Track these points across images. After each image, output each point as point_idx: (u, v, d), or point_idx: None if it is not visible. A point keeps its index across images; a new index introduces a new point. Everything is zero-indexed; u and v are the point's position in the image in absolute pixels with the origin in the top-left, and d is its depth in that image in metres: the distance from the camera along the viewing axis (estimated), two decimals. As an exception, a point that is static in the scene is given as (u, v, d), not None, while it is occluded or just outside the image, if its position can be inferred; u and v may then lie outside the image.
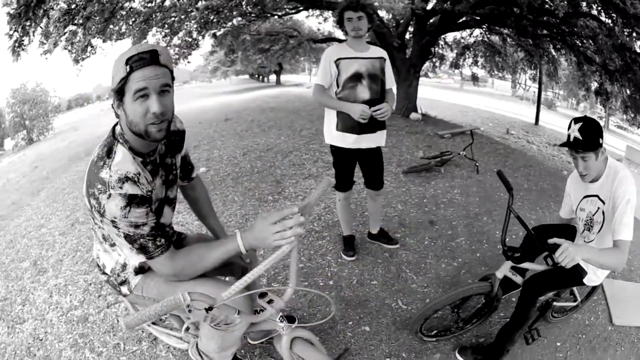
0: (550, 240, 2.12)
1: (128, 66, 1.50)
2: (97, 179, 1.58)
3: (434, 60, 16.60)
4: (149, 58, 1.53)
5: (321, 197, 3.44)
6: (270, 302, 1.86)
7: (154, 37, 12.73)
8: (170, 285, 1.89)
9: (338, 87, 3.48)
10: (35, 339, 3.22)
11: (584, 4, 9.07)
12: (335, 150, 3.71)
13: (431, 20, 12.73)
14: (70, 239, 5.04)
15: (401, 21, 13.58)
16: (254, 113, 14.40)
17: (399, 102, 13.12)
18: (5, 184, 12.32)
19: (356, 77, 3.43)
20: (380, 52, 3.61)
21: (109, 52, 10.99)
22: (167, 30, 12.49)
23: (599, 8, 8.98)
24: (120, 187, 1.57)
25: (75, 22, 9.73)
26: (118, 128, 1.72)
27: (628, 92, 10.50)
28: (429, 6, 12.07)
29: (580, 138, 2.30)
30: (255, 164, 7.39)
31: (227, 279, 2.51)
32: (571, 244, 2.04)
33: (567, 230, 2.97)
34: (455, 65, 16.68)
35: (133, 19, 11.35)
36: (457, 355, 2.91)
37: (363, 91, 3.44)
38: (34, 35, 9.53)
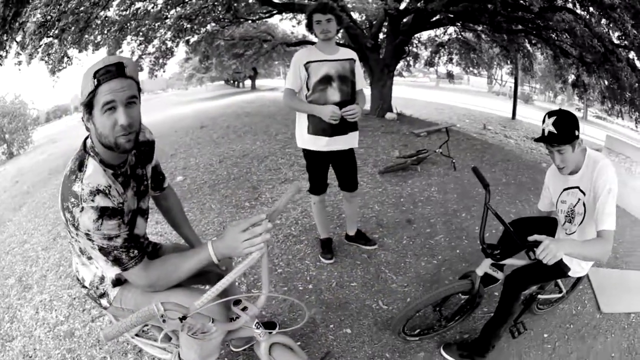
0: (531, 238, 2.10)
1: (95, 79, 1.50)
2: (70, 192, 1.58)
3: (408, 59, 16.63)
4: (115, 70, 1.52)
5: (290, 202, 3.40)
6: (244, 309, 1.86)
7: (129, 46, 12.69)
8: (146, 296, 1.88)
9: (308, 90, 3.45)
10: (25, 357, 3.20)
11: None
12: (307, 153, 3.68)
13: (404, 20, 12.73)
14: (52, 254, 4.97)
15: (374, 22, 13.63)
16: (229, 119, 14.35)
17: (374, 102, 13.16)
18: None
19: (326, 80, 3.41)
20: (350, 54, 3.59)
21: (86, 62, 10.85)
22: (141, 39, 12.37)
23: (575, 1, 9.04)
24: (92, 200, 1.57)
25: (51, 34, 9.58)
26: (89, 141, 1.71)
27: (606, 82, 10.59)
28: (402, 6, 12.12)
29: (555, 132, 2.27)
30: (232, 171, 7.34)
31: (207, 287, 2.47)
32: (552, 240, 2.01)
33: (547, 223, 2.96)
34: (429, 63, 16.76)
35: (108, 28, 11.23)
36: (443, 352, 2.90)
37: (333, 93, 3.42)
38: (10, 48, 9.40)
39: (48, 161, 15.45)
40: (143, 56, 13.05)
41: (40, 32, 9.35)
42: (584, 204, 2.44)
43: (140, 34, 12.13)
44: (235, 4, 11.33)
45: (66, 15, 9.21)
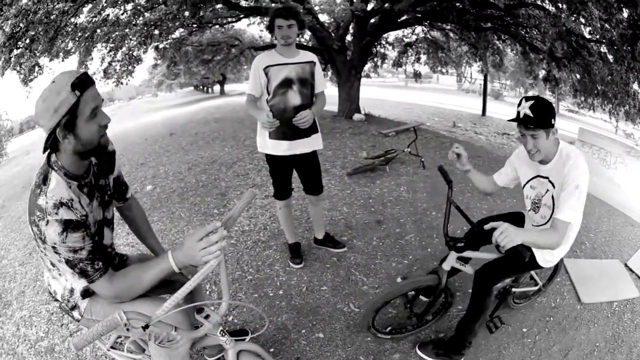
0: (487, 225, 2.11)
1: (76, 91, 1.54)
2: (36, 206, 1.62)
3: (375, 60, 16.66)
4: (87, 79, 1.60)
5: (246, 209, 3.36)
6: (207, 317, 1.87)
7: (100, 53, 12.39)
8: (113, 307, 1.89)
9: (269, 94, 3.44)
10: None
11: None
12: (270, 158, 3.67)
13: (371, 21, 12.77)
14: (29, 269, 4.91)
15: (341, 23, 13.63)
16: (198, 126, 14.28)
17: (342, 104, 13.20)
18: None
19: (286, 83, 3.40)
20: (310, 57, 3.58)
21: (57, 70, 10.65)
22: (111, 45, 12.16)
23: None
24: (56, 213, 1.60)
25: (20, 45, 9.37)
26: (53, 156, 1.73)
27: (577, 76, 10.72)
28: (369, 7, 12.16)
29: (531, 115, 2.26)
30: (200, 178, 7.29)
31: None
32: (510, 225, 2.02)
33: (515, 219, 2.97)
34: (397, 64, 16.78)
35: (79, 35, 11.02)
36: (418, 351, 2.90)
37: (294, 97, 3.43)
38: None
39: (22, 173, 15.15)
40: (112, 63, 12.84)
41: (10, 44, 9.14)
42: (552, 197, 2.44)
43: (110, 40, 11.92)
44: (201, 11, 11.18)
45: (34, 25, 9.01)
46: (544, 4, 9.32)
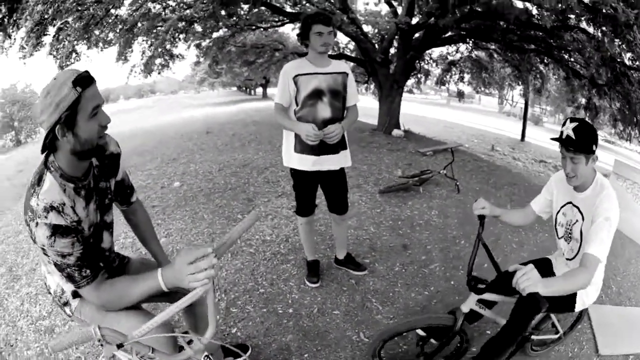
0: (511, 267, 1.96)
1: (78, 87, 1.51)
2: (28, 206, 1.59)
3: (419, 76, 16.40)
4: (90, 77, 1.57)
5: (246, 232, 3.23)
6: (190, 342, 1.72)
7: (140, 47, 12.59)
8: (101, 313, 1.88)
9: (297, 105, 3.28)
10: (7, 345, 3.28)
11: (572, 16, 8.92)
12: (294, 172, 3.50)
13: (416, 35, 12.57)
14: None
15: (386, 36, 13.45)
16: (236, 127, 14.33)
17: (381, 118, 13.00)
18: None
19: (316, 94, 3.24)
20: (343, 67, 3.43)
21: (96, 59, 10.90)
22: (152, 40, 12.26)
23: (588, 18, 8.81)
24: (46, 217, 1.56)
25: (47, 33, 9.49)
26: (50, 157, 1.69)
27: (617, 105, 10.39)
28: (414, 21, 11.97)
29: (573, 137, 2.16)
30: (230, 180, 7.23)
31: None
32: (535, 270, 1.85)
33: (541, 265, 2.75)
34: (441, 82, 16.50)
35: (120, 27, 11.14)
36: None
37: (324, 109, 3.26)
38: (14, 39, 9.37)
39: None
40: (152, 57, 12.96)
41: (38, 30, 9.25)
42: (581, 230, 2.32)
43: (152, 34, 12.01)
44: (234, 9, 11.07)
45: (61, 14, 9.09)
46: (589, 28, 9.01)
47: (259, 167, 8.00)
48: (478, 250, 2.53)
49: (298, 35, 3.42)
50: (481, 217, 2.65)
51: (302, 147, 3.29)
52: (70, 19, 9.67)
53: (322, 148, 3.24)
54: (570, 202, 2.44)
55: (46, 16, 8.96)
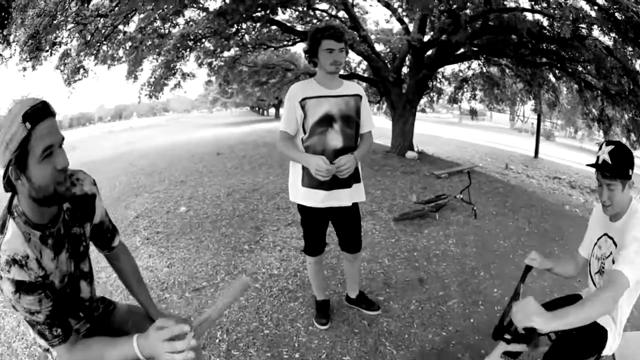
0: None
1: (27, 123, 1.28)
2: None
3: (431, 94, 16.18)
4: (44, 109, 1.34)
5: (235, 302, 2.98)
6: None
7: (151, 64, 12.65)
8: None
9: (305, 133, 2.96)
10: None
11: (583, 25, 8.84)
12: (302, 209, 3.16)
13: (428, 53, 12.40)
14: None
15: (397, 54, 13.26)
16: (247, 148, 14.21)
17: (395, 139, 12.76)
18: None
19: (326, 120, 2.91)
20: (356, 89, 3.09)
21: (110, 74, 10.92)
22: (162, 58, 12.18)
23: (602, 26, 8.67)
24: (8, 271, 1.38)
25: (42, 47, 9.37)
26: (15, 199, 1.50)
27: (630, 115, 10.27)
28: (426, 38, 11.82)
29: (610, 162, 2.01)
30: (238, 206, 7.01)
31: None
32: (533, 300, 1.67)
33: (572, 301, 2.48)
34: (453, 100, 16.24)
35: (129, 44, 11.07)
36: None
37: (335, 137, 2.93)
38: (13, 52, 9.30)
39: None
40: (160, 76, 12.91)
41: (31, 44, 9.11)
42: (613, 261, 2.04)
43: (162, 53, 11.93)
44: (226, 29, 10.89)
45: (55, 28, 8.91)
46: (602, 36, 8.98)
47: (269, 192, 7.77)
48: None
49: (305, 52, 3.05)
50: (528, 268, 2.40)
51: (311, 180, 2.92)
52: (65, 34, 9.59)
53: (333, 182, 2.89)
54: (605, 234, 2.23)
55: (41, 29, 8.77)
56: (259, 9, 9.62)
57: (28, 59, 9.36)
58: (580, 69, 10.52)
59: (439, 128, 29.70)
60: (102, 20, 9.89)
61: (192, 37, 11.00)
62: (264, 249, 5.21)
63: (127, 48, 11.26)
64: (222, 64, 14.29)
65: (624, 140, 11.80)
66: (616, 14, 7.94)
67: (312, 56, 2.97)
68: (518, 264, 4.89)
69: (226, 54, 13.79)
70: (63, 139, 1.43)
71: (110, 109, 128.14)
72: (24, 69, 9.67)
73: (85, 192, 1.74)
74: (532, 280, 4.48)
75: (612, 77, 8.96)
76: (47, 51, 9.58)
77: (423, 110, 16.98)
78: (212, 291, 4.21)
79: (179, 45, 10.96)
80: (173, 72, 12.63)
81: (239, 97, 32.72)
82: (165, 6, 7.93)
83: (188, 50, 11.67)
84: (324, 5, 12.39)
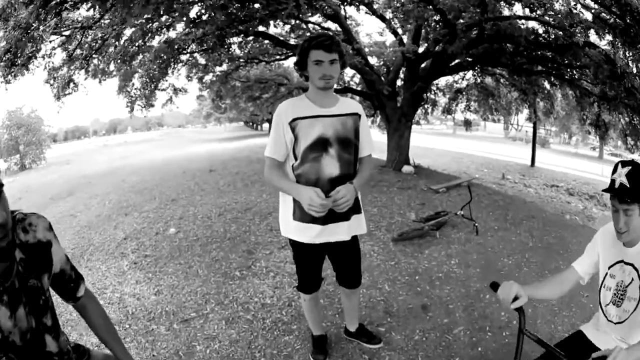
0: (596, 354, 1.55)
1: None
2: None
3: (425, 106, 16.02)
4: None
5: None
6: None
7: (140, 80, 12.41)
8: None
9: (296, 159, 2.59)
10: None
11: (579, 30, 8.77)
12: (294, 243, 2.79)
13: (423, 65, 12.26)
14: None
15: (391, 67, 13.09)
16: (240, 164, 14.05)
17: (390, 154, 12.59)
18: None
19: (320, 144, 2.53)
20: (354, 107, 2.72)
21: (106, 86, 10.81)
22: (142, 71, 11.98)
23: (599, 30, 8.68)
24: None
25: (18, 62, 9.09)
26: None
27: (626, 119, 10.36)
28: (421, 49, 11.67)
29: (628, 185, 1.79)
30: (229, 228, 6.75)
31: None
32: (622, 350, 1.51)
33: (578, 342, 2.23)
34: (447, 111, 16.10)
35: (122, 59, 10.84)
36: None
37: (330, 164, 2.55)
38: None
39: (55, 184, 15.79)
40: (156, 91, 12.74)
41: (7, 59, 8.84)
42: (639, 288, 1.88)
43: (145, 63, 11.72)
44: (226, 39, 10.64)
45: (21, 43, 8.60)
46: (600, 41, 8.99)
47: (262, 212, 7.51)
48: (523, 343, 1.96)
49: (295, 64, 2.67)
50: (520, 310, 2.01)
51: (303, 214, 2.54)
52: (46, 47, 9.42)
53: (329, 215, 2.51)
54: (621, 261, 1.99)
55: (13, 44, 8.49)
56: (242, 21, 9.38)
57: (6, 74, 9.09)
58: (575, 75, 10.56)
59: (433, 140, 29.71)
60: (90, 32, 9.68)
61: (175, 47, 10.61)
62: (256, 275, 4.92)
63: (118, 62, 11.04)
64: (215, 79, 14.16)
65: (615, 143, 11.98)
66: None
67: (302, 69, 2.60)
68: (524, 284, 4.62)
69: (218, 68, 13.65)
70: (2, 185, 1.31)
71: (105, 123, 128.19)
72: (7, 81, 9.43)
73: (39, 240, 1.53)
74: (539, 301, 4.23)
75: (609, 82, 8.91)
76: (23, 65, 9.28)
77: (417, 123, 16.85)
78: (201, 322, 3.94)
79: (162, 55, 10.59)
80: (155, 86, 12.38)
81: (232, 112, 32.64)
82: (140, 13, 7.59)
83: (172, 62, 11.32)
84: (317, 18, 12.20)
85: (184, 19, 9.07)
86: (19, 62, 8.98)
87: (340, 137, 2.58)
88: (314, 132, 2.53)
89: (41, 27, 8.41)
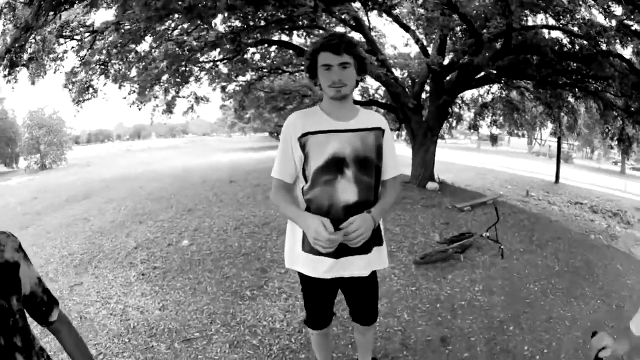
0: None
1: None
2: None
3: (450, 120, 15.67)
4: None
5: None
6: None
7: (162, 86, 12.38)
8: None
9: (306, 181, 2.22)
10: None
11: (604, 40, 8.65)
12: (302, 276, 2.42)
13: (448, 78, 12.00)
14: None
15: (417, 80, 12.82)
16: (262, 176, 13.86)
17: (415, 170, 12.25)
18: (3, 207, 12.97)
19: (335, 165, 2.14)
20: (377, 120, 2.31)
21: (113, 96, 10.77)
22: (177, 79, 11.87)
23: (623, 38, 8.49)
24: None
25: (15, 62, 9.06)
26: None
27: None
28: (446, 61, 11.49)
29: None
30: (245, 243, 6.53)
31: None
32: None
33: None
34: (474, 127, 15.70)
35: (143, 64, 10.76)
36: None
37: (346, 188, 2.16)
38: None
39: (73, 186, 15.86)
40: (177, 98, 12.68)
41: (8, 58, 8.80)
42: None
43: (177, 74, 11.61)
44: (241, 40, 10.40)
45: (19, 40, 8.51)
46: (624, 50, 8.87)
47: (280, 227, 7.19)
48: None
49: (306, 71, 2.28)
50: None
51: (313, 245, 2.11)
52: (57, 50, 9.37)
53: (344, 246, 2.10)
54: None
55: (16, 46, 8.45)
56: (257, 27, 9.23)
57: (7, 74, 9.08)
58: (600, 87, 10.42)
59: (458, 155, 29.34)
60: (103, 36, 9.60)
61: (187, 49, 10.32)
62: (268, 297, 4.66)
63: (140, 68, 10.97)
64: (239, 89, 14.04)
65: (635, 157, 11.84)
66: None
67: (313, 76, 2.22)
68: (549, 313, 4.39)
69: (241, 78, 13.57)
70: None
71: (129, 128, 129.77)
72: (8, 81, 9.44)
73: (7, 260, 1.47)
74: (565, 331, 4.02)
75: (635, 94, 8.86)
76: (23, 65, 9.26)
77: (442, 137, 16.54)
78: (204, 344, 3.72)
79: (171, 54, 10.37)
80: (177, 91, 12.31)
81: (256, 123, 32.62)
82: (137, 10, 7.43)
83: (186, 65, 11.06)
84: (341, 29, 11.98)
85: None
86: (20, 62, 8.97)
87: (359, 156, 2.18)
88: (327, 150, 2.14)
89: (47, 29, 8.39)
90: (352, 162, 2.16)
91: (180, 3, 6.81)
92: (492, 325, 4.12)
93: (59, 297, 4.90)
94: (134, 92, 11.69)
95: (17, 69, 9.19)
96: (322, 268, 2.23)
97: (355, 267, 2.26)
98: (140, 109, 12.50)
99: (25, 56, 9.07)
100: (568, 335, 3.91)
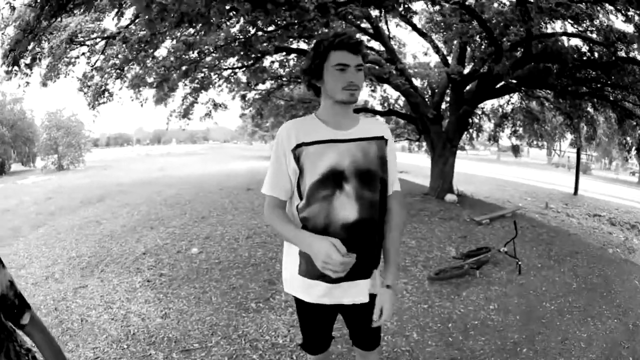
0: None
1: None
2: None
3: (470, 131, 15.38)
4: None
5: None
6: None
7: (183, 91, 12.48)
8: None
9: (301, 197, 1.97)
10: None
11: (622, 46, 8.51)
12: (297, 301, 2.16)
13: (468, 88, 11.78)
14: (38, 294, 4.87)
15: (436, 89, 12.63)
16: (279, 185, 13.76)
17: (434, 181, 12.06)
18: (17, 205, 12.84)
19: (332, 179, 1.90)
20: (378, 128, 2.06)
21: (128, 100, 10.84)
22: (196, 85, 11.84)
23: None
24: None
25: (17, 62, 9.04)
26: None
27: None
28: (466, 70, 11.31)
29: None
30: (255, 253, 6.40)
31: None
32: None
33: None
34: (494, 138, 15.45)
35: (160, 70, 10.72)
36: None
37: (345, 205, 1.90)
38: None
39: (89, 188, 15.87)
40: (194, 104, 12.66)
41: (9, 59, 8.75)
42: None
43: (196, 80, 11.60)
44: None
45: (22, 44, 8.46)
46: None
47: (292, 238, 7.10)
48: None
49: (304, 72, 1.98)
50: None
51: (311, 268, 1.91)
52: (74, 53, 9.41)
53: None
54: None
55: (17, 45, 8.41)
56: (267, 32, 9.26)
57: (10, 72, 9.11)
58: (619, 96, 10.25)
59: (478, 166, 29.06)
60: (116, 42, 9.59)
61: (195, 50, 10.09)
62: (273, 310, 4.50)
63: (158, 73, 10.93)
64: (258, 97, 14.00)
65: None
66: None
67: (315, 77, 1.95)
68: (565, 334, 4.19)
69: (260, 86, 13.58)
70: None
71: (149, 133, 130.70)
72: (27, 83, 9.51)
73: None
74: (580, 353, 3.81)
75: None
76: (27, 65, 9.25)
77: (462, 148, 16.31)
78: (202, 355, 3.59)
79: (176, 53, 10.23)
80: (195, 97, 12.32)
81: (275, 131, 32.70)
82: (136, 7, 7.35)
83: (195, 67, 10.93)
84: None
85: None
86: (22, 62, 9.00)
87: (360, 168, 1.93)
88: (324, 163, 1.90)
89: (60, 36, 8.41)
90: (352, 176, 1.92)
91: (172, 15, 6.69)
92: (505, 347, 3.91)
93: (62, 299, 5.01)
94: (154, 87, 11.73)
95: (26, 70, 9.23)
96: (317, 292, 2.02)
97: (356, 292, 2.03)
98: (186, 124, 12.64)
99: (29, 58, 9.11)
100: (582, 357, 3.72)
